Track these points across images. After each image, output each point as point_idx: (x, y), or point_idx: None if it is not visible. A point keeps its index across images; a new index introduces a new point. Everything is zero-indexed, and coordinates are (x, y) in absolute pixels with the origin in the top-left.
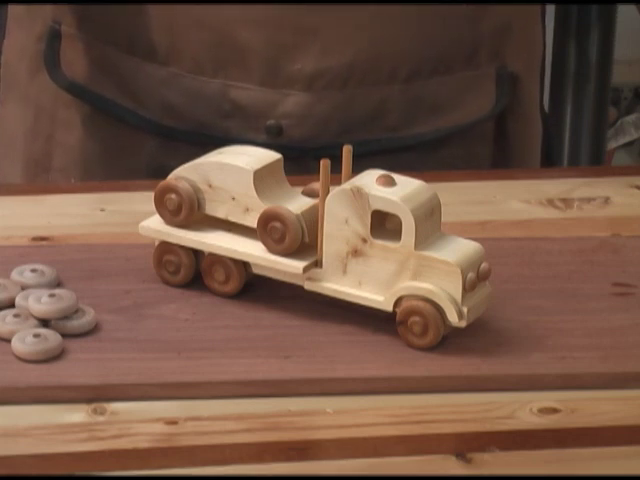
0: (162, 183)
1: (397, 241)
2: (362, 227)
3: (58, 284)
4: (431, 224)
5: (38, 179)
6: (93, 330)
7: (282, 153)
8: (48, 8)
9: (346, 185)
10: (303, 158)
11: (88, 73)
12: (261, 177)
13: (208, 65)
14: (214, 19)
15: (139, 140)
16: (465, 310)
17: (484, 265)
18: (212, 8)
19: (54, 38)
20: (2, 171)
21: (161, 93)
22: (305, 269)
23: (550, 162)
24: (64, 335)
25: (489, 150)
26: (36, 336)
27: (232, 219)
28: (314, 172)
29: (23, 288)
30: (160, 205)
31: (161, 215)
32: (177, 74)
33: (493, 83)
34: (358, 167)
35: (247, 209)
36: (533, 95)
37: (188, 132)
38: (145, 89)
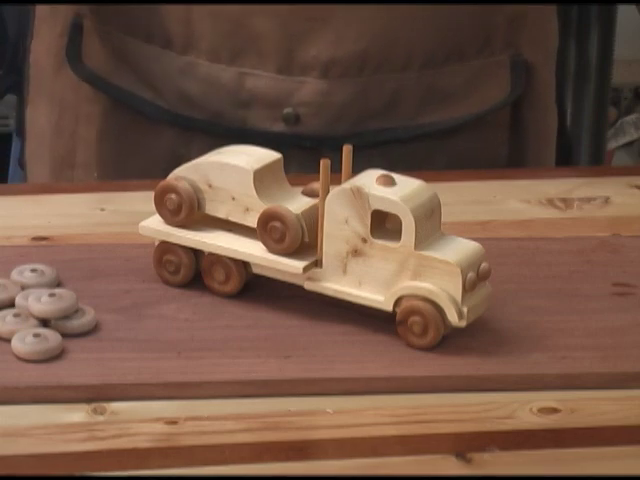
0: (162, 183)
1: (397, 241)
2: (362, 227)
3: (58, 284)
4: (431, 224)
5: (63, 176)
6: (93, 330)
7: (299, 143)
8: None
9: (346, 185)
10: (320, 148)
11: (108, 64)
12: (261, 177)
13: (224, 53)
14: (229, 8)
15: (157, 131)
16: (465, 310)
17: (484, 265)
18: None
19: (76, 31)
20: (31, 169)
21: (178, 82)
22: (305, 269)
23: (566, 156)
24: (64, 335)
25: (505, 138)
26: (36, 336)
27: (232, 219)
28: (332, 164)
29: (23, 288)
30: (160, 205)
31: (161, 215)
32: (194, 63)
33: (507, 71)
34: (373, 156)
35: (247, 209)
36: (549, 84)
37: (205, 121)
38: (163, 78)
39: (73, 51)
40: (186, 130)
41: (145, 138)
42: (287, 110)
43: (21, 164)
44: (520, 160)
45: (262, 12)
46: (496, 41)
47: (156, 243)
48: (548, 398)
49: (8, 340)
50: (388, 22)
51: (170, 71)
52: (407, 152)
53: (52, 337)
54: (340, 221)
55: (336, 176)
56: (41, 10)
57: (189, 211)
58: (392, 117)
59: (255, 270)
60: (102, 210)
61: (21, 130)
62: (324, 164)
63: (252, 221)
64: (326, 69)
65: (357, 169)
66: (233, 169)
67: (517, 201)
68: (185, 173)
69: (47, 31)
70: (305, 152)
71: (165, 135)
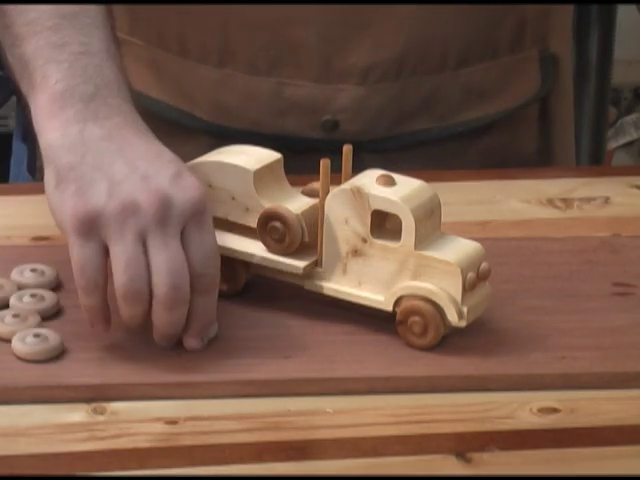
0: None
1: (397, 241)
2: (362, 227)
3: (58, 284)
4: (431, 224)
5: None
6: (94, 330)
7: (337, 148)
8: None
9: (346, 185)
10: (357, 152)
11: (142, 77)
12: (261, 177)
13: (262, 64)
14: (267, 19)
15: (194, 141)
16: (465, 310)
17: (484, 265)
18: (265, 8)
19: None
20: None
21: (215, 94)
22: (305, 269)
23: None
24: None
25: (534, 131)
26: (36, 336)
27: (232, 219)
28: (369, 165)
29: (20, 288)
30: None
31: None
32: (231, 75)
33: (537, 65)
34: (408, 156)
35: (247, 209)
36: (570, 73)
37: (243, 132)
38: (200, 91)
39: None
40: (224, 140)
41: (182, 148)
42: (326, 117)
43: (31, 170)
44: (548, 151)
45: (300, 22)
46: (526, 36)
47: None
48: (548, 398)
49: (8, 340)
50: (424, 25)
51: (206, 83)
52: (441, 151)
53: (52, 337)
54: (340, 221)
55: (336, 176)
56: None
57: None
58: (428, 117)
59: (255, 270)
60: None
61: (28, 136)
62: (324, 164)
63: (252, 221)
64: (364, 75)
65: (392, 169)
66: (233, 169)
67: (517, 201)
68: None
69: None
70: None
71: (202, 144)
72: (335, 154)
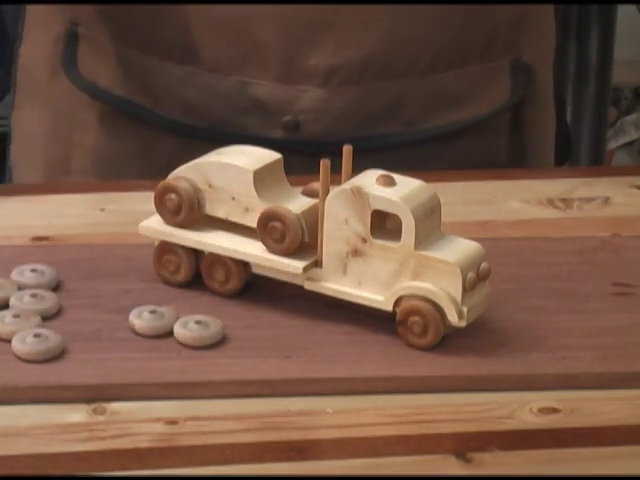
0: (162, 183)
1: (397, 241)
2: (362, 227)
3: (58, 284)
4: (431, 224)
5: (57, 181)
6: (94, 330)
7: (299, 149)
8: (65, 10)
9: (346, 185)
10: (320, 154)
11: (106, 74)
12: (261, 177)
13: (225, 62)
14: (231, 17)
15: (158, 140)
16: (465, 310)
17: (484, 265)
18: (229, 6)
19: (72, 40)
20: (22, 175)
21: (179, 92)
22: (305, 269)
23: (567, 153)
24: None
25: (505, 140)
26: (36, 336)
27: (232, 219)
28: (332, 168)
29: (20, 288)
30: (160, 205)
31: (161, 215)
32: (194, 72)
33: (508, 75)
34: (375, 161)
35: (247, 209)
36: (547, 84)
37: (206, 130)
38: (163, 88)
39: (69, 59)
40: (186, 138)
41: (144, 146)
42: (287, 117)
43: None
44: (520, 161)
45: (263, 20)
46: (497, 45)
47: (156, 243)
48: (548, 398)
49: (8, 340)
50: (389, 29)
51: (169, 80)
52: (408, 156)
53: (52, 337)
54: (340, 221)
55: (336, 177)
56: (34, 15)
57: (189, 211)
58: (393, 122)
59: (255, 270)
60: (102, 210)
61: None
62: (324, 164)
63: (252, 221)
64: (327, 77)
65: (358, 172)
66: (233, 169)
67: (517, 201)
68: (185, 173)
69: (40, 36)
70: (305, 158)
71: (165, 143)
72: (297, 155)
